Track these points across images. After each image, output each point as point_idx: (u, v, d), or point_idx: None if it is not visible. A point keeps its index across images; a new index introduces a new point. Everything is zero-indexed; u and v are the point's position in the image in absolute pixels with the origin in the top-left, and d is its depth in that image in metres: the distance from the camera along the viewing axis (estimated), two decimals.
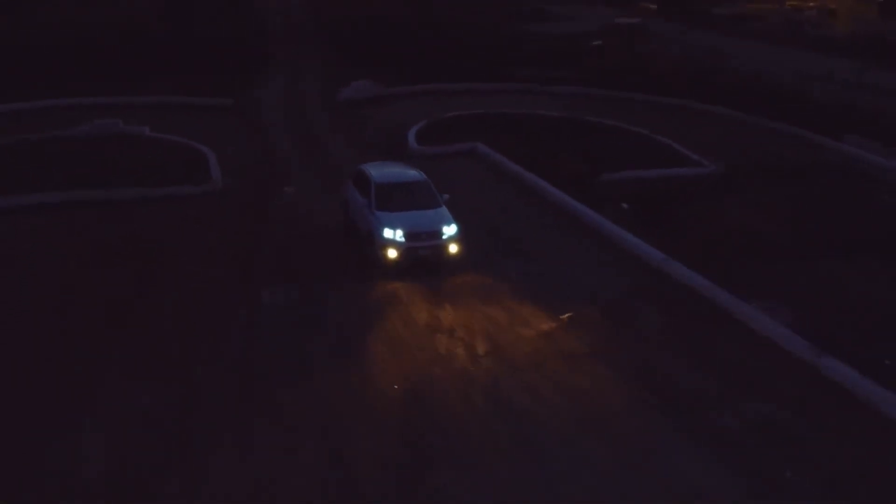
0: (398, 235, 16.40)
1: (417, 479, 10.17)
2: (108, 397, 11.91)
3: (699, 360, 12.91)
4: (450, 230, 16.64)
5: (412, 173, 18.08)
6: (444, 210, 17.03)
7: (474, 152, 23.91)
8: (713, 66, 32.58)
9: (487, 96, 30.03)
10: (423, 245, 16.54)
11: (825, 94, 30.10)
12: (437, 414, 11.52)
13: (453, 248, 16.65)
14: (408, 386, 12.25)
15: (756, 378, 12.37)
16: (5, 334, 13.47)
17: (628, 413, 11.60)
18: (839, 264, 16.80)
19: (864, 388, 11.78)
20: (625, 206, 20.67)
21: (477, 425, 11.30)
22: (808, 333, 13.09)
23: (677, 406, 11.71)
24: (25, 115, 26.58)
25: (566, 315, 14.35)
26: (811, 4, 55.62)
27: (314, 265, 16.66)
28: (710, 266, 15.91)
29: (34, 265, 16.27)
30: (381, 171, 18.01)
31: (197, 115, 27.47)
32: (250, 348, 13.35)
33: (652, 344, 13.50)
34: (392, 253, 16.32)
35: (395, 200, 17.04)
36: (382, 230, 16.34)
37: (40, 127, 24.73)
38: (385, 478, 10.21)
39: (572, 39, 37.32)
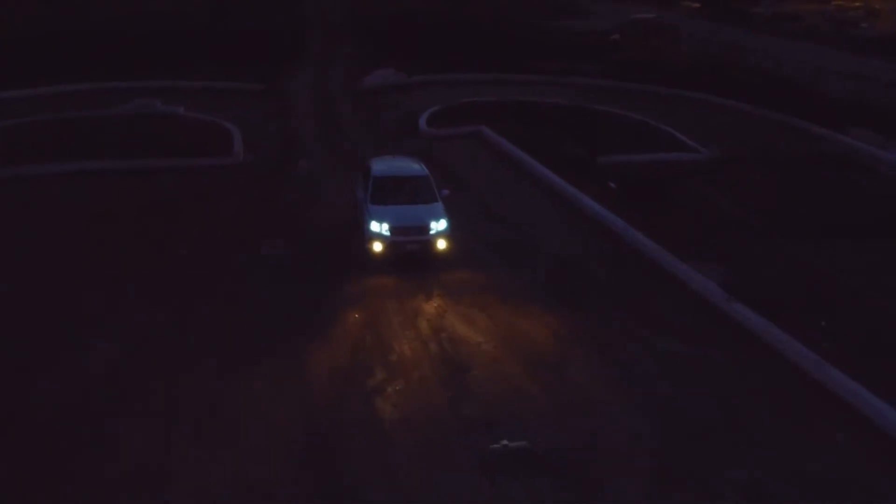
0: (384, 229, 16.78)
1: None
2: (122, 315, 14.52)
3: (629, 307, 14.86)
4: (438, 226, 16.89)
5: (414, 168, 18.44)
6: (438, 206, 17.28)
7: (479, 134, 26.02)
8: (728, 61, 34.02)
9: (506, 86, 32.06)
10: (409, 240, 16.88)
11: (840, 91, 31.27)
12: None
13: (441, 244, 16.91)
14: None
15: (673, 322, 14.25)
16: (49, 266, 16.37)
17: (553, 344, 13.61)
18: (804, 244, 18.02)
19: (770, 332, 13.55)
20: (612, 185, 22.50)
21: (420, 345, 13.51)
22: (739, 293, 14.81)
23: (598, 341, 13.69)
24: (84, 94, 29.71)
25: None
26: (857, 4, 56.14)
27: (316, 228, 18.83)
28: (673, 237, 17.67)
29: (76, 218, 19.00)
30: (384, 165, 18.53)
31: (231, 99, 30.22)
32: (240, 287, 15.77)
33: (591, 294, 15.46)
34: (377, 246, 16.75)
35: (390, 194, 17.41)
36: (370, 223, 16.84)
37: (93, 105, 27.79)
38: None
39: (596, 35, 39.12)
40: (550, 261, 17.03)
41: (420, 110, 28.36)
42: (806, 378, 12.49)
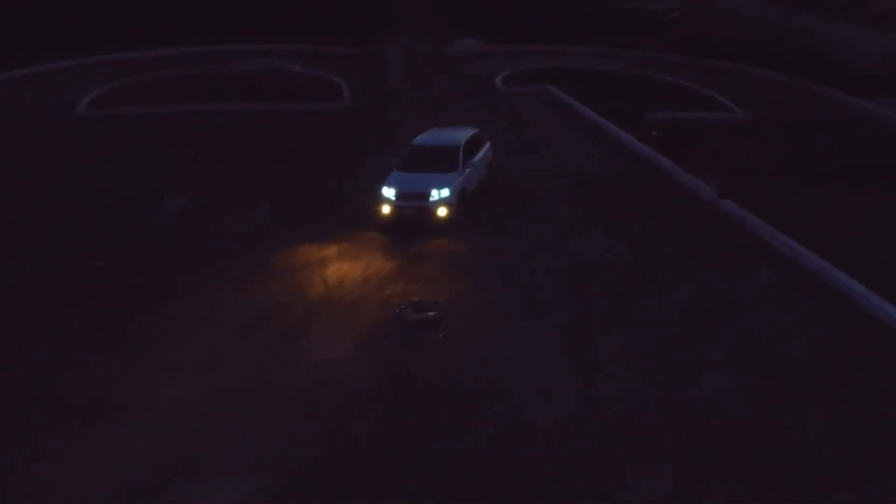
0: (391, 194, 18.41)
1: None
2: (275, 191, 21.07)
3: (637, 203, 20.45)
4: (439, 193, 18.19)
5: (454, 137, 19.84)
6: (453, 176, 18.61)
7: (545, 92, 31.85)
8: (777, 40, 38.92)
9: (569, 56, 38.04)
10: (409, 205, 18.34)
11: (877, 69, 35.78)
12: None
13: (441, 212, 18.26)
14: None
15: (670, 212, 19.82)
16: (226, 168, 23.10)
17: (576, 225, 19.34)
18: (812, 184, 22.13)
19: (740, 215, 19.04)
20: (654, 133, 27.95)
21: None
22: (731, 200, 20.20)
23: (609, 223, 19.38)
24: (208, 55, 36.68)
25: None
26: None
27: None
28: (690, 168, 22.99)
29: (234, 140, 25.62)
30: (426, 136, 20.32)
31: (334, 60, 36.84)
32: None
33: (607, 196, 21.12)
34: (384, 209, 18.43)
35: (415, 162, 19.03)
36: (383, 187, 18.54)
37: (214, 64, 34.72)
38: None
39: (659, 13, 44.44)
40: (574, 175, 22.72)
41: (496, 73, 34.42)
42: (755, 239, 17.98)
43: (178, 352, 13.29)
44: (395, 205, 18.39)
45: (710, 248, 17.70)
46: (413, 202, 18.34)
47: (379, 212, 18.50)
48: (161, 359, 13.10)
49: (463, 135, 19.92)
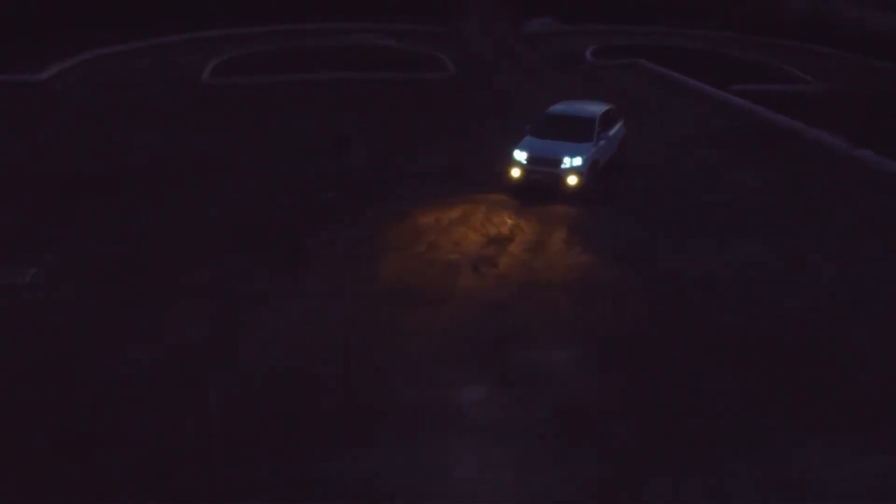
0: (523, 158, 18.80)
1: None
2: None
3: (772, 153, 22.95)
4: (572, 161, 18.40)
5: (589, 110, 19.96)
6: (586, 146, 18.78)
7: (636, 65, 34.36)
8: (836, 20, 41.87)
9: (642, 35, 40.59)
10: (539, 170, 18.62)
11: None
12: None
13: (572, 180, 18.41)
14: None
15: (809, 160, 22.26)
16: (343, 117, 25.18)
17: (719, 165, 21.83)
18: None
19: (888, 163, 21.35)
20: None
21: None
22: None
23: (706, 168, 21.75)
24: (304, 32, 39.01)
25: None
26: None
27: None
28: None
29: (344, 103, 27.75)
30: (560, 106, 20.51)
31: (421, 37, 39.13)
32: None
33: (740, 145, 23.61)
34: (515, 172, 18.86)
35: (549, 130, 19.24)
36: (515, 151, 18.92)
37: (312, 40, 37.03)
38: None
39: None
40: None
41: (577, 49, 36.94)
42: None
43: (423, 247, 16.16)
44: (526, 168, 18.85)
45: (866, 186, 19.98)
46: (544, 167, 18.67)
47: (509, 174, 19.02)
48: (409, 253, 15.82)
49: (599, 108, 20.13)
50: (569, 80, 31.69)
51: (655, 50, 36.77)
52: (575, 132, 19.03)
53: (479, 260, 15.76)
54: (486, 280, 14.98)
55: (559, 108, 20.42)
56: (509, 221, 17.63)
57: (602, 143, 19.38)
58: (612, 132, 20.23)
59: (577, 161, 18.43)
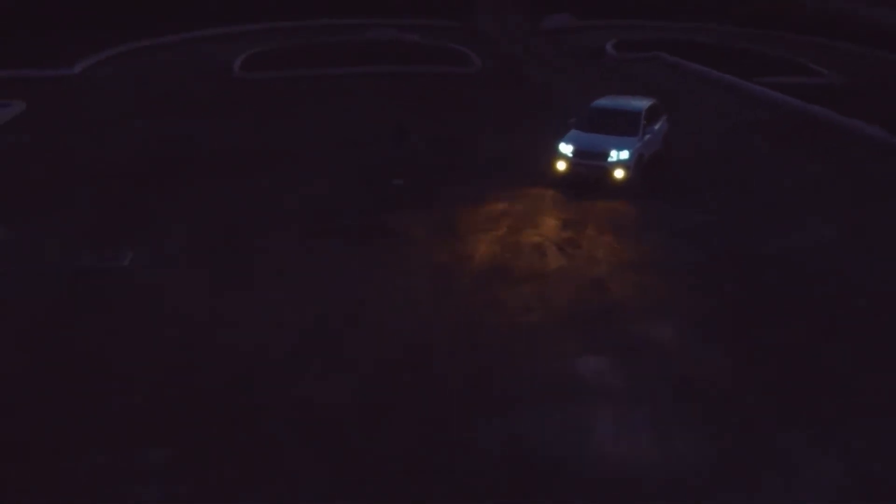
0: (569, 151, 18.92)
1: None
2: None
3: (809, 142, 23.68)
4: (618, 155, 18.48)
5: (635, 104, 20.06)
6: (632, 140, 18.80)
7: (657, 58, 35.03)
8: (842, 16, 42.85)
9: (656, 30, 41.26)
10: (585, 163, 18.76)
11: None
12: None
13: (618, 174, 18.49)
14: None
15: (849, 147, 23.02)
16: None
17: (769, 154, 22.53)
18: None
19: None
20: None
21: None
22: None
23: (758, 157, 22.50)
24: (318, 29, 39.34)
25: None
26: None
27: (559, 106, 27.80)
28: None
29: (360, 99, 28.11)
30: (605, 101, 20.68)
31: (440, 32, 39.55)
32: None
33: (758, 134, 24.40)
34: (560, 165, 18.98)
35: (594, 123, 19.35)
36: (560, 143, 19.05)
37: (336, 35, 37.38)
38: None
39: None
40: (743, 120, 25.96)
41: (597, 44, 37.57)
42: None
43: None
44: (572, 161, 19.00)
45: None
46: (590, 161, 18.81)
47: (554, 167, 19.17)
48: (493, 236, 16.17)
49: (644, 102, 20.32)
50: (596, 74, 32.33)
51: (674, 44, 37.46)
52: (621, 126, 19.17)
53: (561, 242, 16.26)
54: (575, 260, 15.48)
55: (604, 102, 20.61)
56: (576, 208, 18.14)
57: (648, 137, 19.53)
58: (656, 127, 20.37)
59: (625, 154, 18.55)
